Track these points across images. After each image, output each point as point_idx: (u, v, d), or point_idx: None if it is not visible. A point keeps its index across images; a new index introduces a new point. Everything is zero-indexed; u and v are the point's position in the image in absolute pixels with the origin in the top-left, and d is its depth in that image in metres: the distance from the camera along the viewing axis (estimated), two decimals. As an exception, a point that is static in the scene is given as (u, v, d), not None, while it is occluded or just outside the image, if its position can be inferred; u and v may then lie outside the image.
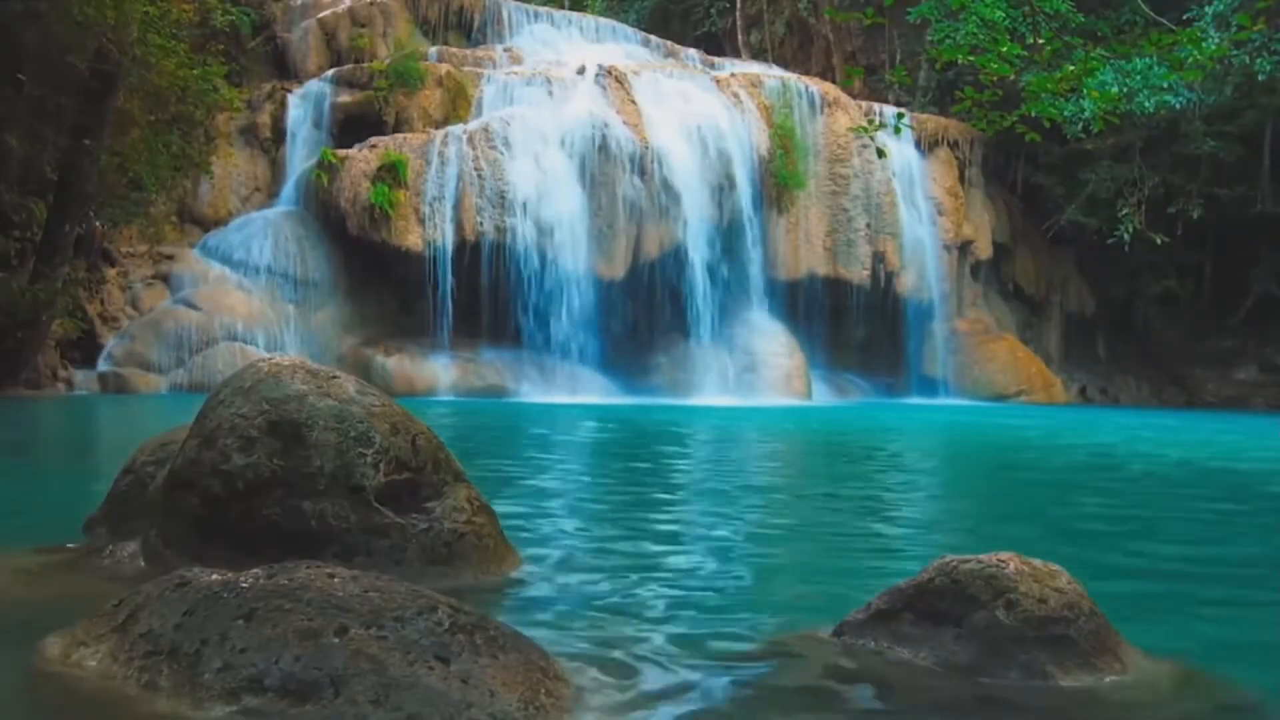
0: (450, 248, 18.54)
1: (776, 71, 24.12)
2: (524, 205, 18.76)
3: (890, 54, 26.37)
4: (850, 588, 3.50)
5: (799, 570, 4.11)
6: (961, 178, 24.02)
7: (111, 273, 17.67)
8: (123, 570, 3.29)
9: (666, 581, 3.60)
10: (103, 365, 16.71)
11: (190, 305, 17.52)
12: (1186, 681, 2.54)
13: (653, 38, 25.45)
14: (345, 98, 20.25)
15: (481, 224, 18.62)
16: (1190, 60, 7.50)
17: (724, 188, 20.45)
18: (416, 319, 18.73)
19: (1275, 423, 16.56)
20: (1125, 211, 22.95)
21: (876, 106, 22.03)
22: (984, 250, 24.43)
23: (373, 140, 19.06)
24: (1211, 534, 5.37)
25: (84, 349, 16.68)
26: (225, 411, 3.26)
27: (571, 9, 29.33)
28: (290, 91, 20.55)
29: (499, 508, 3.69)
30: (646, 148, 19.65)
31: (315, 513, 3.13)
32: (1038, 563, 2.58)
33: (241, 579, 2.29)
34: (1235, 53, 19.10)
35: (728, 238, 20.64)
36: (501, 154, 18.99)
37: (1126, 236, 22.76)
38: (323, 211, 18.84)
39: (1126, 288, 24.99)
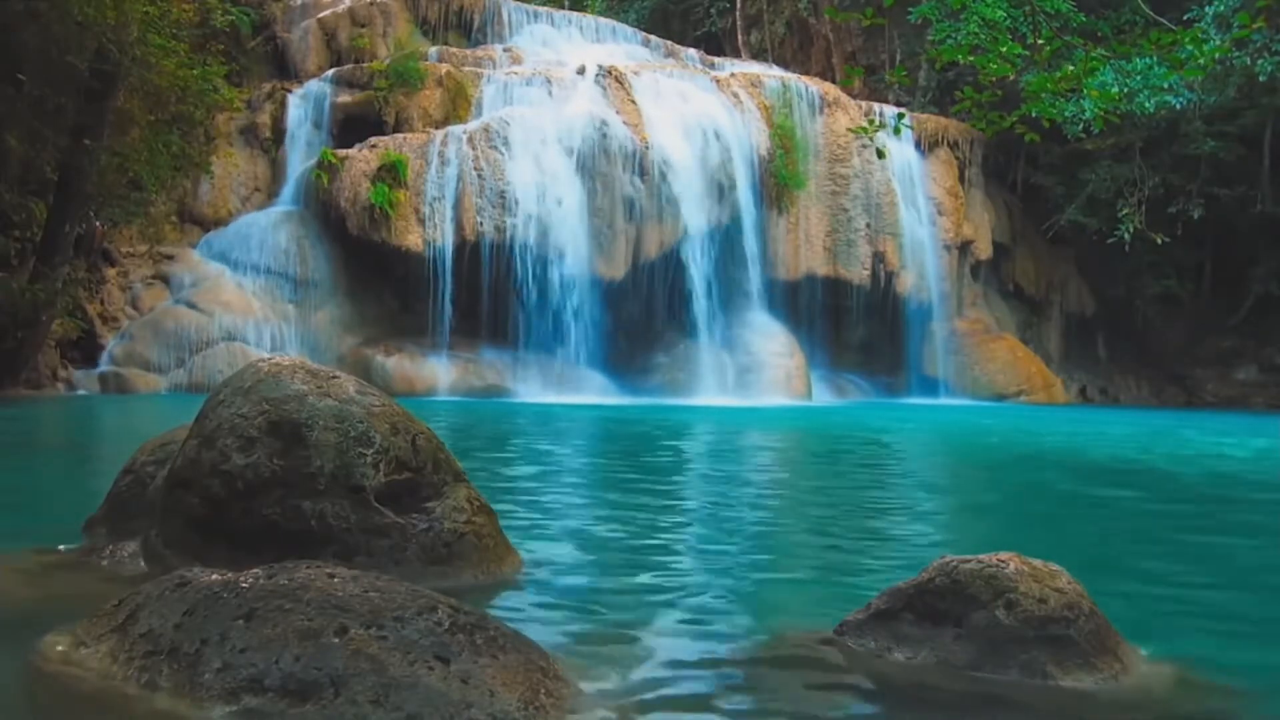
0: (450, 248, 18.54)
1: (776, 71, 24.11)
2: (524, 205, 18.76)
3: (890, 54, 26.36)
4: (850, 588, 3.51)
5: (799, 570, 4.11)
6: (961, 178, 24.01)
7: (111, 273, 17.66)
8: (123, 570, 3.29)
9: (666, 581, 3.60)
10: (103, 365, 16.70)
11: (190, 305, 17.52)
12: (1186, 681, 2.54)
13: (653, 38, 25.44)
14: (345, 98, 20.24)
15: (481, 224, 18.62)
16: (1190, 60, 7.50)
17: (724, 188, 20.45)
18: (416, 319, 18.72)
19: (1276, 423, 16.55)
20: (1125, 211, 22.94)
21: (876, 106, 22.03)
22: (984, 250, 24.43)
23: (373, 140, 19.06)
24: (1211, 534, 5.37)
25: (84, 349, 16.67)
26: (225, 411, 3.26)
27: (571, 9, 29.32)
28: (290, 91, 20.54)
29: (499, 508, 3.69)
30: (646, 148, 19.65)
31: (315, 513, 3.13)
32: (1038, 563, 2.59)
33: (241, 579, 2.29)
34: (1236, 53, 19.10)
35: (728, 238, 20.63)
36: (501, 154, 18.98)
37: (1126, 236, 22.75)
38: (323, 211, 18.83)
39: (1126, 288, 24.97)
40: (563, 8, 29.03)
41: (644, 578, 3.63)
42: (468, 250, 18.60)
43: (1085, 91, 8.53)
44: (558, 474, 7.41)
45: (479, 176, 18.73)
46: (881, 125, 8.45)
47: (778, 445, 10.91)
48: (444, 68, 20.56)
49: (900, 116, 8.67)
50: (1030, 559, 2.59)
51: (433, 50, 21.39)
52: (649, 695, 2.34)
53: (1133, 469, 8.99)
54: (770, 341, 20.41)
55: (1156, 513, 6.19)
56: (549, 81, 20.46)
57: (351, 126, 19.80)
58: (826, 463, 9.24)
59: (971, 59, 8.45)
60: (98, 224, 16.64)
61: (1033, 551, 2.65)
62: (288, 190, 19.62)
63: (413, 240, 18.45)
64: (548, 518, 4.98)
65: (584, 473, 7.78)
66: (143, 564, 3.32)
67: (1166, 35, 7.07)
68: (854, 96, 23.78)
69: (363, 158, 18.68)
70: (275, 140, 20.13)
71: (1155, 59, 14.91)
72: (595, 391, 18.70)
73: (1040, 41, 8.56)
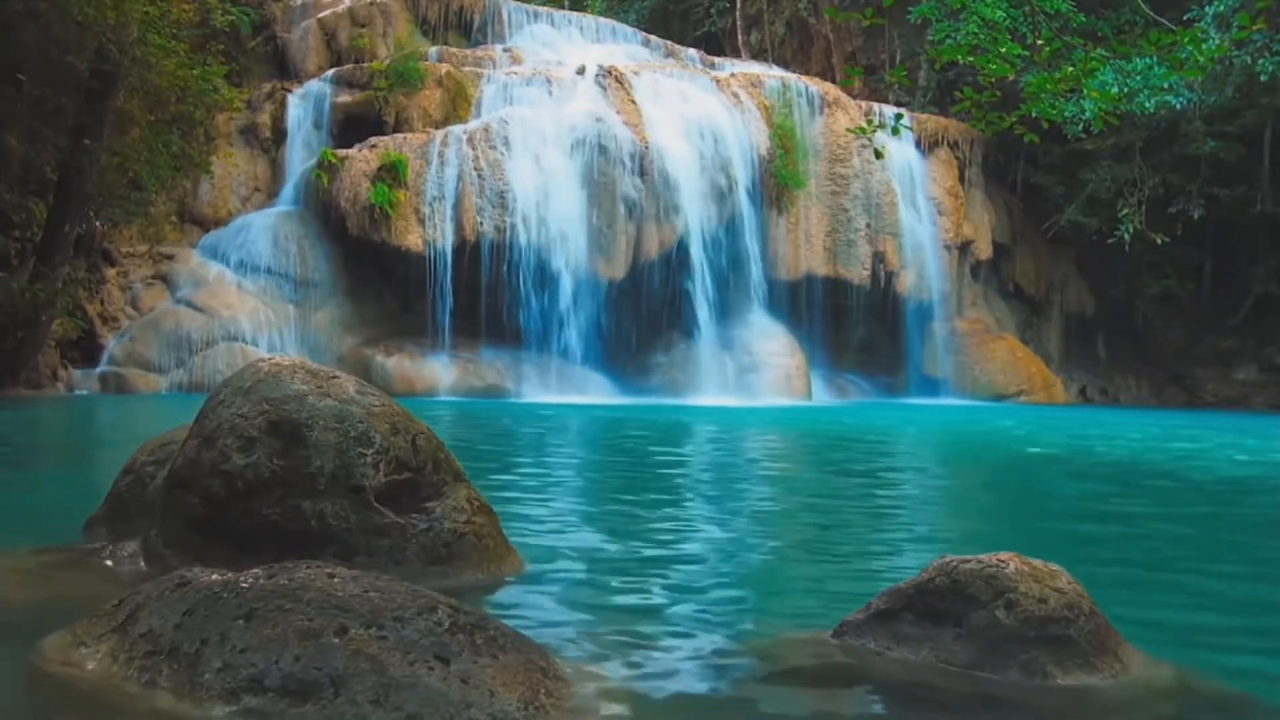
0: (450, 248, 18.54)
1: (776, 71, 24.10)
2: (524, 205, 18.76)
3: (890, 54, 26.36)
4: (850, 588, 3.51)
5: (799, 570, 4.11)
6: (961, 178, 24.00)
7: (111, 273, 17.66)
8: (123, 570, 3.29)
9: (666, 582, 3.60)
10: (103, 365, 16.70)
11: (190, 305, 17.51)
12: (1186, 682, 2.54)
13: (653, 38, 25.43)
14: (345, 98, 20.24)
15: (481, 224, 18.62)
16: (1190, 60, 7.49)
17: (724, 188, 20.44)
18: (416, 319, 18.72)
19: (1276, 423, 16.55)
20: (1125, 211, 22.93)
21: (876, 106, 22.01)
22: (984, 250, 24.43)
23: (373, 140, 19.06)
24: (1212, 534, 5.37)
25: (84, 349, 16.67)
26: (225, 411, 3.26)
27: (571, 9, 29.31)
28: (290, 91, 20.55)
29: (499, 508, 3.69)
30: (646, 147, 19.65)
31: (315, 513, 3.13)
32: (1038, 563, 2.59)
33: (241, 579, 2.29)
34: (1236, 53, 19.09)
35: (728, 238, 20.62)
36: (501, 154, 18.98)
37: (1126, 236, 22.75)
38: (323, 211, 18.83)
39: (1126, 288, 24.97)
40: (563, 8, 29.03)
41: (644, 578, 3.63)
42: (467, 250, 18.60)
43: (1085, 91, 8.53)
44: (558, 474, 7.41)
45: (479, 176, 18.74)
46: (880, 125, 8.45)
47: (777, 445, 10.91)
48: (444, 68, 20.56)
49: (899, 117, 8.65)
50: (1030, 559, 2.59)
51: (433, 50, 21.39)
52: (649, 695, 2.34)
53: (1132, 469, 8.98)
54: (770, 341, 20.40)
55: (1156, 513, 6.19)
56: (549, 81, 20.46)
57: (351, 126, 19.81)
58: (826, 463, 9.24)
59: (971, 59, 8.46)
60: (98, 224, 16.64)
61: (1033, 551, 2.65)
62: (288, 190, 19.62)
63: (413, 240, 18.46)
64: (548, 518, 4.98)
65: (584, 473, 7.78)
66: (143, 564, 3.32)
67: (1166, 35, 7.07)
68: (854, 96, 23.77)
69: (363, 158, 18.69)
70: (275, 140, 20.13)
71: (1155, 59, 14.91)
72: (595, 391, 18.70)
73: (1040, 41, 8.57)
